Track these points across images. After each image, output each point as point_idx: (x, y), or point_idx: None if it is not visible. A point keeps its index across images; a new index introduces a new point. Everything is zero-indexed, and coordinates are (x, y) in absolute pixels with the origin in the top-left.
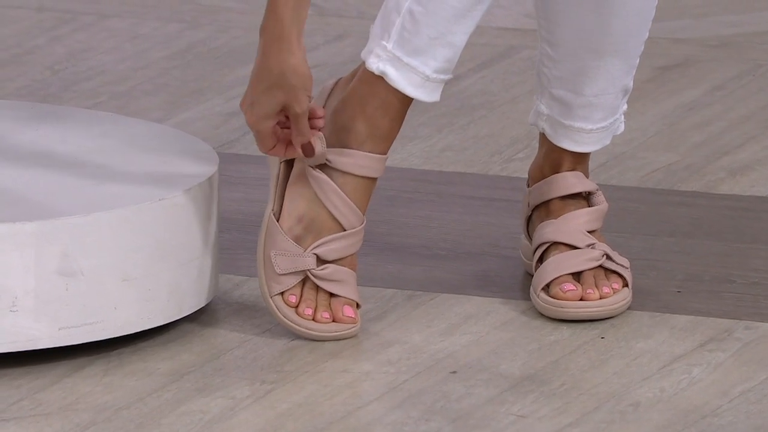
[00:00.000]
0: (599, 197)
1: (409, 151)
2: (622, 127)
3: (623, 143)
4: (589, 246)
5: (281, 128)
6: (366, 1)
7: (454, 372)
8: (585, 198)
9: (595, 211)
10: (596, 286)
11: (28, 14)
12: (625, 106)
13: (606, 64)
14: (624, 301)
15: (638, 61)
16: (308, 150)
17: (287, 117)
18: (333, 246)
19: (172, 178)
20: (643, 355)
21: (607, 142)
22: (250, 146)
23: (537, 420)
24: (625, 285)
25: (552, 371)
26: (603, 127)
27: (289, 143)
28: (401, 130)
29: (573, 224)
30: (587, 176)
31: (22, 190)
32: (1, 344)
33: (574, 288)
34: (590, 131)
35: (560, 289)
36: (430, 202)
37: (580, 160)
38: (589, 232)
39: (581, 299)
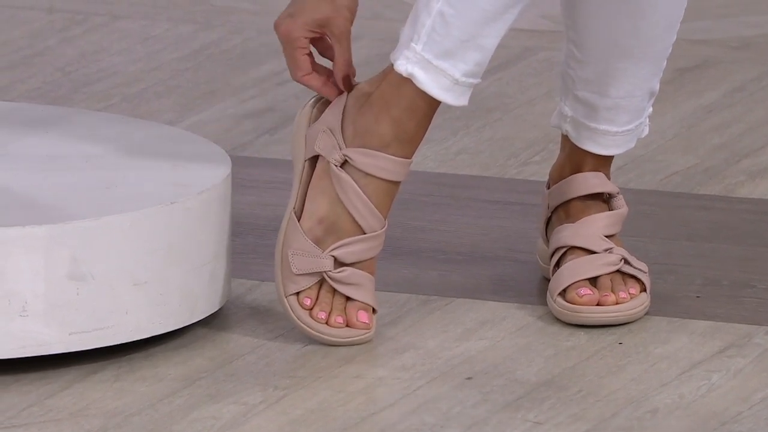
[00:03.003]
0: (619, 201)
1: (424, 154)
2: (646, 130)
3: (641, 146)
4: (606, 250)
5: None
6: (381, 1)
7: (470, 378)
8: (605, 201)
9: (613, 215)
10: (613, 291)
11: (39, 15)
12: (650, 109)
13: (633, 66)
14: (642, 306)
15: (665, 63)
16: (348, 84)
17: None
18: (352, 249)
19: (184, 181)
20: (662, 361)
21: (632, 145)
22: (263, 149)
23: (554, 426)
24: (643, 290)
25: (569, 377)
26: (628, 130)
27: (326, 79)
28: None
29: (591, 228)
30: (609, 179)
31: (31, 194)
32: (12, 349)
33: (591, 293)
34: (615, 134)
35: (576, 294)
36: (445, 206)
37: (602, 163)
38: (607, 236)
39: (598, 304)
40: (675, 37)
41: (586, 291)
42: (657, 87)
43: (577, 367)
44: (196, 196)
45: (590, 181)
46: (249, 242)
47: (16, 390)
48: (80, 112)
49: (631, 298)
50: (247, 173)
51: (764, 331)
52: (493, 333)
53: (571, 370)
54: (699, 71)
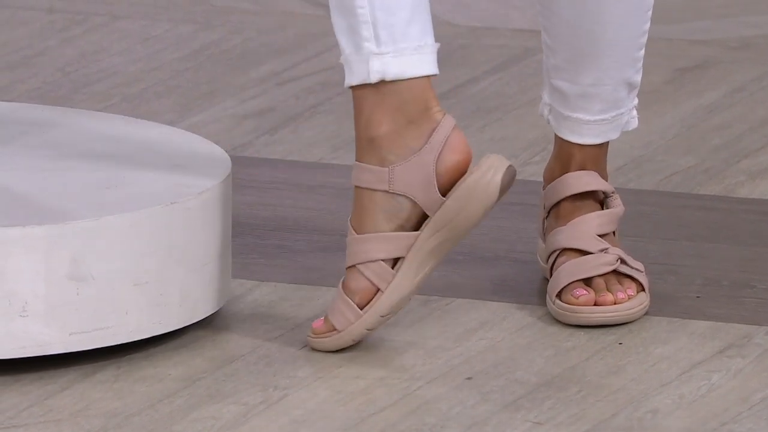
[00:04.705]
0: (615, 200)
1: None
2: (634, 123)
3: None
4: (602, 251)
5: None
6: None
7: (470, 378)
8: (600, 201)
9: (606, 214)
10: (610, 291)
11: (39, 16)
12: (636, 101)
13: (599, 53)
14: (641, 306)
15: (641, 54)
16: None
17: None
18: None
19: (184, 181)
20: (662, 361)
21: (614, 136)
22: (263, 149)
23: (554, 427)
24: (642, 290)
25: (569, 377)
26: (603, 120)
27: None
28: None
29: (584, 229)
30: (605, 178)
31: (32, 194)
32: (12, 349)
33: (586, 293)
34: (589, 122)
35: (572, 295)
36: None
37: (589, 158)
38: (602, 235)
39: (596, 304)
40: (647, 26)
41: (581, 291)
42: (635, 78)
43: (577, 368)
44: (196, 196)
45: (581, 180)
46: (249, 242)
47: (17, 390)
48: (80, 112)
49: (629, 298)
50: (247, 173)
51: (764, 332)
52: (493, 333)
53: (571, 370)
54: (699, 71)
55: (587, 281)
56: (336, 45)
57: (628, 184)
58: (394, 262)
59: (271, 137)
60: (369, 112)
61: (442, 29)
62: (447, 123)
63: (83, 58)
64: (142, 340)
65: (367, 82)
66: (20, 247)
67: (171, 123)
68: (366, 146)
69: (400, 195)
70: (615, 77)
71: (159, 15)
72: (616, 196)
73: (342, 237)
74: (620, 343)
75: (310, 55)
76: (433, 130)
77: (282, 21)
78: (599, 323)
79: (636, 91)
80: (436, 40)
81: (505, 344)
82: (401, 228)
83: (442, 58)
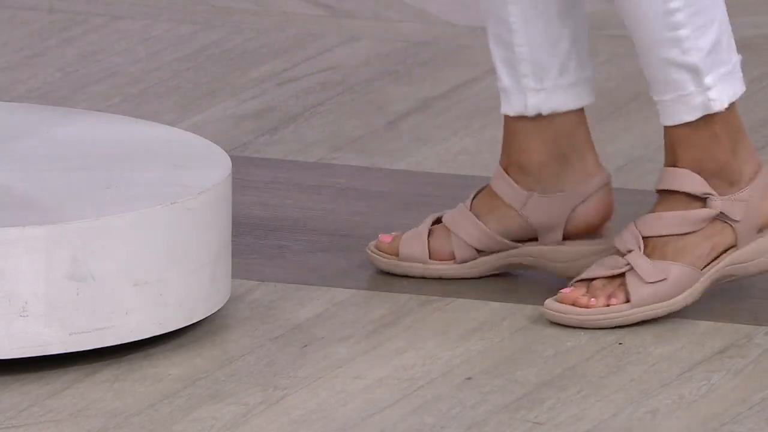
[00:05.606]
0: (713, 201)
1: (424, 155)
2: (714, 106)
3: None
4: (627, 252)
5: None
6: (380, 2)
7: (470, 378)
8: (700, 199)
9: (676, 216)
10: (596, 296)
11: (39, 16)
12: (708, 83)
13: (632, 33)
14: (608, 315)
15: (677, 35)
16: None
17: None
18: None
19: (184, 181)
20: (662, 362)
21: (688, 118)
22: (263, 149)
23: (554, 427)
24: (627, 301)
25: (569, 378)
26: (663, 101)
27: None
28: (416, 132)
29: (631, 228)
30: (707, 169)
31: (32, 194)
32: (12, 350)
33: (568, 291)
34: (657, 103)
35: (561, 292)
36: (445, 207)
37: (676, 140)
38: (665, 235)
39: (573, 304)
40: (671, 5)
41: (566, 290)
42: (683, 59)
43: (578, 368)
44: (196, 196)
45: (664, 177)
46: (249, 242)
47: (17, 390)
48: (80, 112)
49: (606, 305)
50: (247, 173)
51: (764, 332)
52: (493, 333)
53: (572, 371)
54: None
55: (588, 282)
56: (337, 45)
57: (628, 184)
58: (477, 252)
59: (271, 137)
60: (524, 141)
61: (442, 29)
62: (603, 177)
63: (83, 58)
64: (142, 340)
65: (525, 114)
66: (20, 247)
67: (171, 123)
68: (515, 168)
69: (525, 219)
70: (653, 56)
71: (159, 15)
72: (715, 197)
73: (341, 237)
74: (620, 343)
75: (310, 55)
76: (583, 180)
77: (282, 21)
78: (562, 323)
79: (703, 75)
80: (436, 41)
81: (505, 344)
82: (500, 232)
83: (442, 58)
